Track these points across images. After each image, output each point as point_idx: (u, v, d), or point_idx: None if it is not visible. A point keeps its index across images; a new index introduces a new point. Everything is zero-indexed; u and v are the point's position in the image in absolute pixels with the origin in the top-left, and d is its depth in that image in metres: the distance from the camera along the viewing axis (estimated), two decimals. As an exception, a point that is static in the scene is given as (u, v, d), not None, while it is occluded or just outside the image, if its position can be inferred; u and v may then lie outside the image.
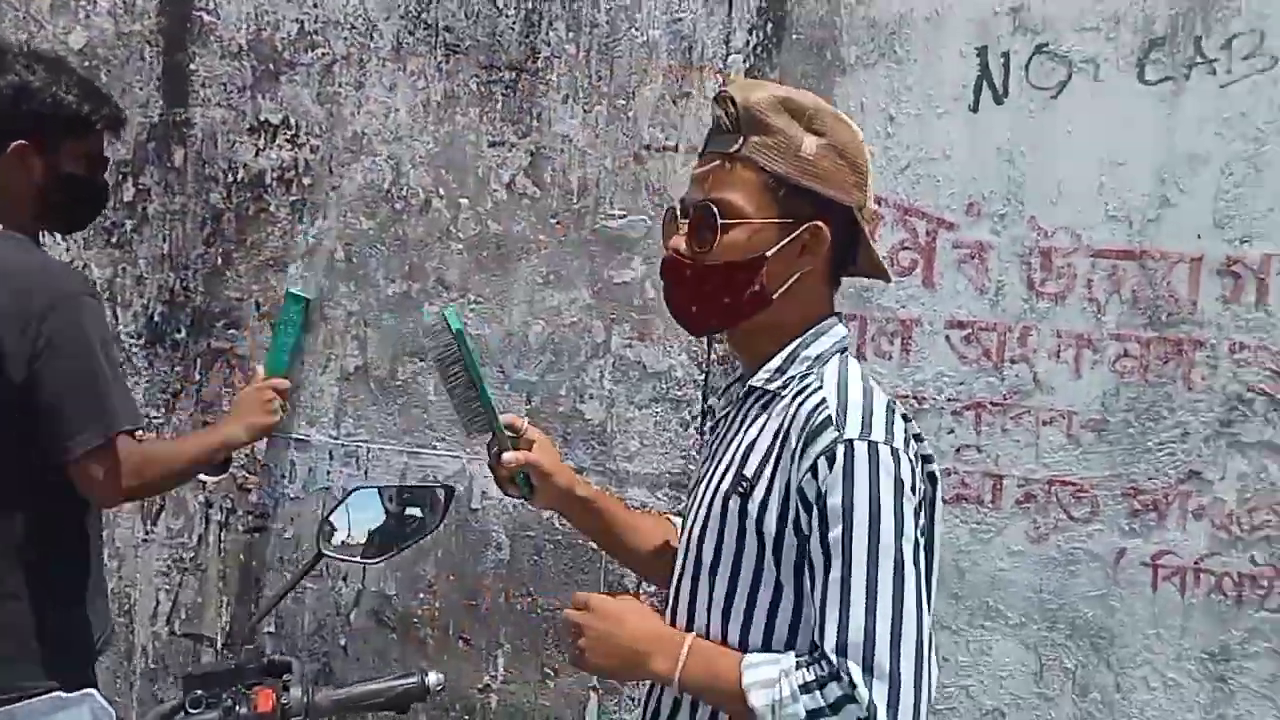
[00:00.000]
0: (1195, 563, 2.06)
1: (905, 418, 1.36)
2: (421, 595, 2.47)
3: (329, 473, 2.53)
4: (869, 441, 1.29)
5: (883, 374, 2.18)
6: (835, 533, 1.27)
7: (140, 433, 2.03)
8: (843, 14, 2.20)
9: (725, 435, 1.48)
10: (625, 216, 2.34)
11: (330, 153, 2.52)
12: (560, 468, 1.66)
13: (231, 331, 2.59)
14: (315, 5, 2.50)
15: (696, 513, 1.45)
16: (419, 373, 2.47)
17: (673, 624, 1.45)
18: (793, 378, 1.40)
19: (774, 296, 1.39)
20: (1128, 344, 2.09)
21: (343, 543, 1.89)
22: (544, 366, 2.39)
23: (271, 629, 2.56)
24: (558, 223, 2.38)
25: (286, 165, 2.55)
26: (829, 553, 1.27)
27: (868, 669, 1.22)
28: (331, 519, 1.91)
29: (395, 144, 2.48)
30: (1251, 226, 2.02)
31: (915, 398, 2.18)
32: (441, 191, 2.45)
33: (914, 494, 1.30)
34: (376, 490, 1.95)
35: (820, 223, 1.39)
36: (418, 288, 2.47)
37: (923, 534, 1.31)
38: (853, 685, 1.22)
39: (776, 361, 1.42)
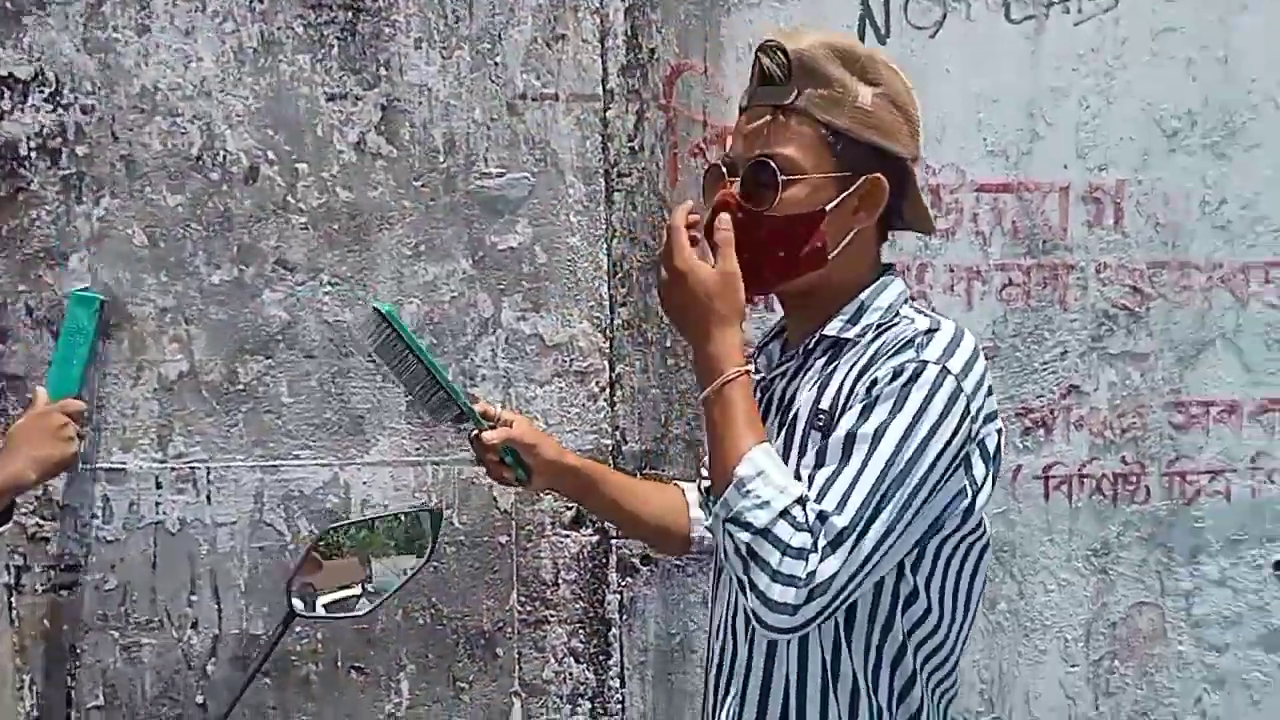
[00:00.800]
0: (1079, 469, 2.25)
1: (986, 370, 1.35)
2: (298, 628, 2.12)
3: (158, 504, 2.09)
4: (942, 368, 1.29)
5: (793, 322, 2.15)
6: (865, 429, 1.26)
7: None
8: (726, -50, 2.10)
9: (785, 387, 1.43)
10: (504, 174, 2.11)
11: (111, 114, 2.04)
12: (544, 439, 1.62)
13: (-6, 345, 2.05)
14: (75, -73, 1.99)
15: None
16: (265, 372, 2.09)
17: None
18: (869, 325, 1.38)
19: (830, 255, 1.36)
20: (1011, 273, 2.21)
21: (316, 598, 1.60)
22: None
23: (99, 702, 2.10)
24: (423, 185, 2.10)
25: (49, 131, 2.03)
26: (850, 446, 1.26)
27: (832, 547, 1.22)
28: (301, 571, 1.61)
29: (202, 100, 2.05)
30: (1107, 155, 2.20)
31: (822, 342, 2.18)
32: (271, 155, 2.07)
33: (958, 435, 1.29)
34: (347, 527, 1.66)
35: (879, 175, 1.36)
36: (252, 272, 2.08)
37: (948, 479, 1.30)
38: (814, 550, 1.22)
39: (849, 312, 1.39)
